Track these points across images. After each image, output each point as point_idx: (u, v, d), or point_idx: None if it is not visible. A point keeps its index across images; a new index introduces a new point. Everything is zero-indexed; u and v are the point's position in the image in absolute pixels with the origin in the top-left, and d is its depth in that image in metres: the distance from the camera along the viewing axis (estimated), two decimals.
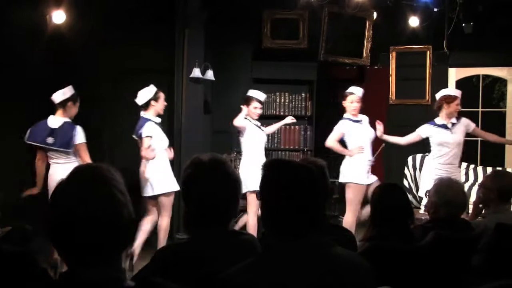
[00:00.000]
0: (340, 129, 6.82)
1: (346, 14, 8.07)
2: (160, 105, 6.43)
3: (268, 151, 8.39)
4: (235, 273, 1.91)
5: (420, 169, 8.23)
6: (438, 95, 6.65)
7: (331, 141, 6.81)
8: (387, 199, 3.38)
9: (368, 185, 6.57)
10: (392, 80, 8.97)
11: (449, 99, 6.49)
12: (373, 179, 6.74)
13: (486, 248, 3.74)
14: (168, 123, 8.14)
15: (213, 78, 7.40)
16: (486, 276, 3.57)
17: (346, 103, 6.82)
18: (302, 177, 1.97)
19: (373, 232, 3.38)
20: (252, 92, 7.00)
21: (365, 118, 6.89)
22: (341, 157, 6.90)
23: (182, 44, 7.53)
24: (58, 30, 6.62)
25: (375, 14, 8.49)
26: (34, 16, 6.68)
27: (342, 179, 6.76)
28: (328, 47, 8.35)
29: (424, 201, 7.50)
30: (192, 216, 2.42)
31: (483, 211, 4.38)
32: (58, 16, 6.51)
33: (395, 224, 3.29)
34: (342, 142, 6.83)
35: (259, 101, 6.92)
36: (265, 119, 8.42)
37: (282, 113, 8.41)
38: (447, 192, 3.71)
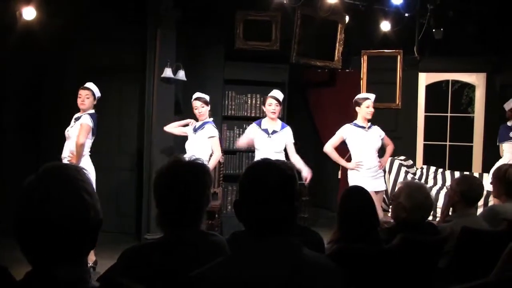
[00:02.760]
0: (340, 133, 6.80)
1: (318, 17, 8.11)
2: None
3: (239, 152, 8.40)
4: (203, 273, 1.91)
5: (390, 173, 8.30)
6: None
7: (328, 147, 6.83)
8: (353, 202, 3.42)
9: (376, 192, 6.50)
10: (363, 83, 9.04)
11: None
12: (381, 186, 6.76)
13: (452, 251, 3.79)
14: (138, 123, 8.11)
15: (184, 78, 7.38)
16: (452, 279, 3.62)
17: (361, 109, 6.70)
18: (276, 178, 1.98)
19: (340, 234, 3.40)
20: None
21: (377, 130, 6.83)
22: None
23: (153, 43, 7.50)
24: (28, 26, 6.54)
25: (347, 18, 8.53)
26: (3, 12, 6.58)
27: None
28: (300, 49, 8.37)
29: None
30: (161, 216, 2.43)
31: (449, 214, 4.43)
32: (29, 13, 6.42)
33: (361, 227, 3.31)
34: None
35: (273, 97, 6.80)
36: (235, 120, 8.43)
37: (253, 115, 8.41)
38: (418, 195, 3.75)
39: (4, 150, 7.67)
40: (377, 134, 6.76)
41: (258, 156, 6.65)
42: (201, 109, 6.79)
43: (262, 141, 6.74)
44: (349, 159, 6.91)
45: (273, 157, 6.30)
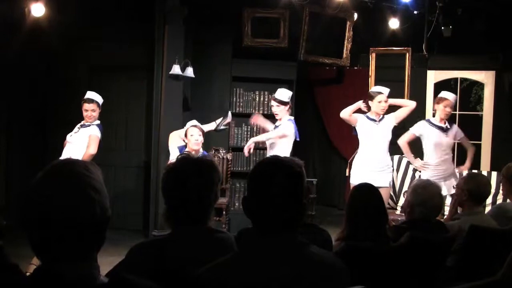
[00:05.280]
0: (355, 116, 6.65)
1: (326, 15, 8.09)
2: None
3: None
4: (210, 270, 1.92)
5: (398, 171, 8.28)
6: None
7: (345, 112, 6.66)
8: (362, 200, 3.41)
9: (380, 188, 6.30)
10: (372, 81, 9.01)
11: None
12: (386, 183, 6.49)
13: (460, 250, 3.78)
14: (146, 119, 8.12)
15: (192, 75, 7.38)
16: (459, 277, 3.61)
17: (373, 103, 6.54)
18: (284, 176, 1.98)
19: (348, 232, 3.40)
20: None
21: (388, 119, 6.62)
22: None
23: (162, 40, 7.50)
24: (37, 23, 6.56)
25: (355, 15, 8.52)
26: (12, 9, 6.61)
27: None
28: (308, 47, 8.36)
29: (402, 201, 7.57)
30: (169, 212, 2.44)
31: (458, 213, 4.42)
32: (37, 9, 6.44)
33: (369, 225, 3.30)
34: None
35: (273, 99, 6.82)
36: (243, 117, 8.43)
37: (261, 112, 8.42)
38: (423, 192, 3.75)
39: (11, 146, 7.70)
40: (388, 126, 6.59)
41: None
42: (199, 137, 6.44)
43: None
44: (351, 150, 6.78)
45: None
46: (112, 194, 7.35)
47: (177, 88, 7.47)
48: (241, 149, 8.38)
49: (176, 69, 7.16)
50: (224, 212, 7.42)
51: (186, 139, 6.46)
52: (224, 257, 1.97)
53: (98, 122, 6.32)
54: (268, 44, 8.35)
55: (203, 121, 8.14)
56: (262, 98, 8.48)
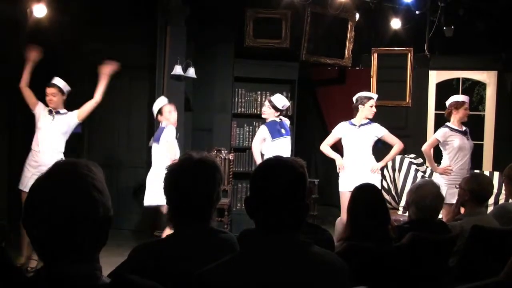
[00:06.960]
0: (335, 133, 6.75)
1: (328, 15, 8.08)
2: None
3: (249, 150, 8.40)
4: (212, 270, 1.92)
5: (400, 171, 8.28)
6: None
7: (323, 145, 6.77)
8: (364, 200, 3.40)
9: None
10: (373, 81, 8.99)
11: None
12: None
13: (462, 250, 3.78)
14: (148, 120, 8.12)
15: (194, 76, 7.39)
16: (461, 277, 3.61)
17: (365, 107, 6.59)
18: (286, 176, 1.98)
19: (350, 232, 3.39)
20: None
21: (373, 128, 6.63)
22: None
23: (164, 41, 7.51)
24: (38, 24, 6.55)
25: (357, 16, 8.51)
26: (15, 10, 6.61)
27: None
28: (310, 47, 8.36)
29: (403, 202, 7.56)
30: (171, 212, 2.44)
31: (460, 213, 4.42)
32: (39, 10, 6.44)
33: (371, 225, 3.30)
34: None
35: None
36: (245, 117, 8.43)
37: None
38: (416, 192, 3.75)
39: (13, 147, 7.70)
40: (370, 132, 6.59)
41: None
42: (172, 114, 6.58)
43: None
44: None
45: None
46: (114, 194, 7.35)
47: (179, 88, 7.48)
48: (242, 150, 8.40)
49: (178, 70, 7.17)
50: (226, 213, 7.42)
51: (161, 116, 6.54)
52: (227, 257, 1.97)
53: (64, 110, 6.30)
54: (270, 44, 8.36)
55: (204, 122, 8.18)
56: (264, 99, 8.46)
